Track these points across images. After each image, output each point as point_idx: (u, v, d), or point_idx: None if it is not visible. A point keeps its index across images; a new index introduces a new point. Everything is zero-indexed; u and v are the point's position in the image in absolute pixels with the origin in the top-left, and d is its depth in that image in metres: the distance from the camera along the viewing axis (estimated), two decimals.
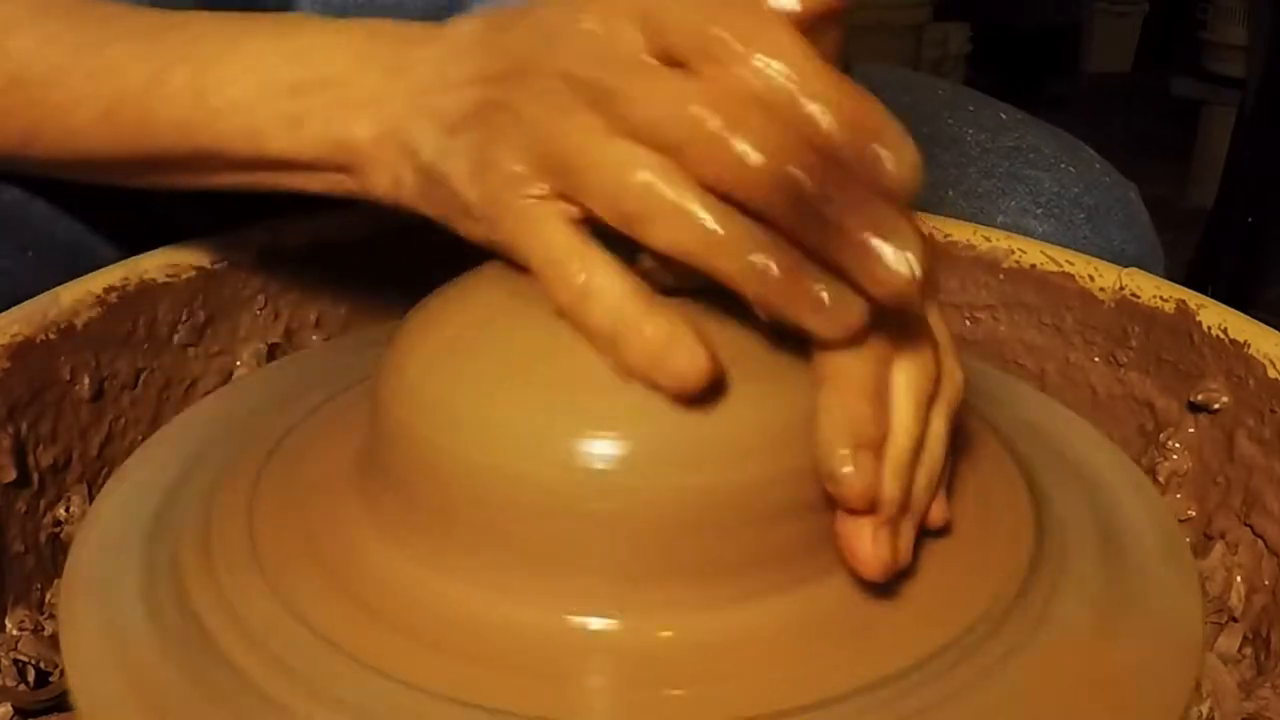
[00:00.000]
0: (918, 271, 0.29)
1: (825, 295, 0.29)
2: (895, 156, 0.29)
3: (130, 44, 0.43)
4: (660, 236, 0.31)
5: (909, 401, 0.32)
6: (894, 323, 0.33)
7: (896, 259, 0.28)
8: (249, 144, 0.41)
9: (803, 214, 0.29)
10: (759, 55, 0.30)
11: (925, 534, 0.34)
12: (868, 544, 0.31)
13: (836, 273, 0.29)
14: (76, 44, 0.43)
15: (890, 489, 0.31)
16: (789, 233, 0.29)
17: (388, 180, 0.38)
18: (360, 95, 0.38)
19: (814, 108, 0.29)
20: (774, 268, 0.29)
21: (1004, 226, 0.61)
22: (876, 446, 0.31)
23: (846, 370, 0.31)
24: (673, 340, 0.30)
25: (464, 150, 0.35)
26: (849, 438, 0.31)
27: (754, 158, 0.29)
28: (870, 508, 0.31)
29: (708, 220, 0.30)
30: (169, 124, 0.42)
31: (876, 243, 0.28)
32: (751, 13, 0.31)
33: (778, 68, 0.30)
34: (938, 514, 0.34)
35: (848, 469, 0.30)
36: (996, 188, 0.64)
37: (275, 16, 0.43)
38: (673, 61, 0.31)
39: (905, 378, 0.33)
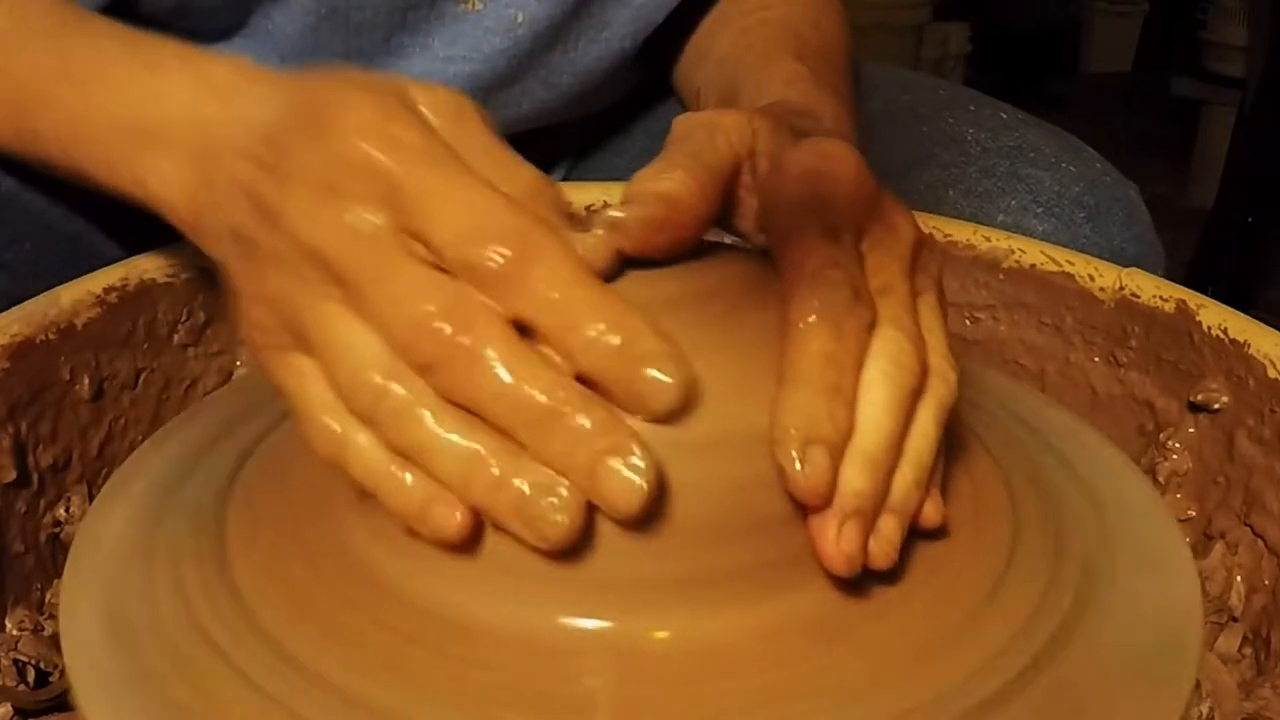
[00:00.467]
0: (647, 491, 0.29)
1: (539, 512, 0.29)
2: (660, 384, 0.29)
3: (39, 44, 0.45)
4: (387, 437, 0.30)
5: (884, 397, 0.32)
6: (871, 320, 0.33)
7: (628, 490, 0.29)
8: (107, 175, 0.43)
9: (539, 436, 0.29)
10: (529, 281, 0.29)
11: (922, 535, 0.34)
12: (830, 540, 0.31)
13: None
14: (2, 32, 0.46)
15: (856, 483, 0.31)
16: (520, 444, 0.30)
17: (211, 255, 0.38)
18: (180, 162, 0.39)
19: (579, 339, 0.29)
20: (490, 481, 0.29)
21: (1004, 225, 0.61)
22: (830, 443, 0.31)
23: (805, 368, 0.31)
24: (429, 500, 0.30)
25: (235, 274, 0.35)
26: (799, 433, 0.30)
27: (498, 383, 0.29)
28: (823, 503, 0.31)
29: (432, 434, 0.30)
30: (52, 138, 0.45)
31: (609, 468, 0.29)
32: (523, 226, 0.30)
33: (546, 295, 0.29)
34: (932, 514, 0.34)
35: (795, 464, 0.30)
36: (997, 187, 0.64)
37: (156, 42, 0.43)
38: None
39: (881, 374, 0.32)
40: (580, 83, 0.64)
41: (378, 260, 0.30)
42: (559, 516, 0.29)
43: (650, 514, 0.30)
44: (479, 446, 0.30)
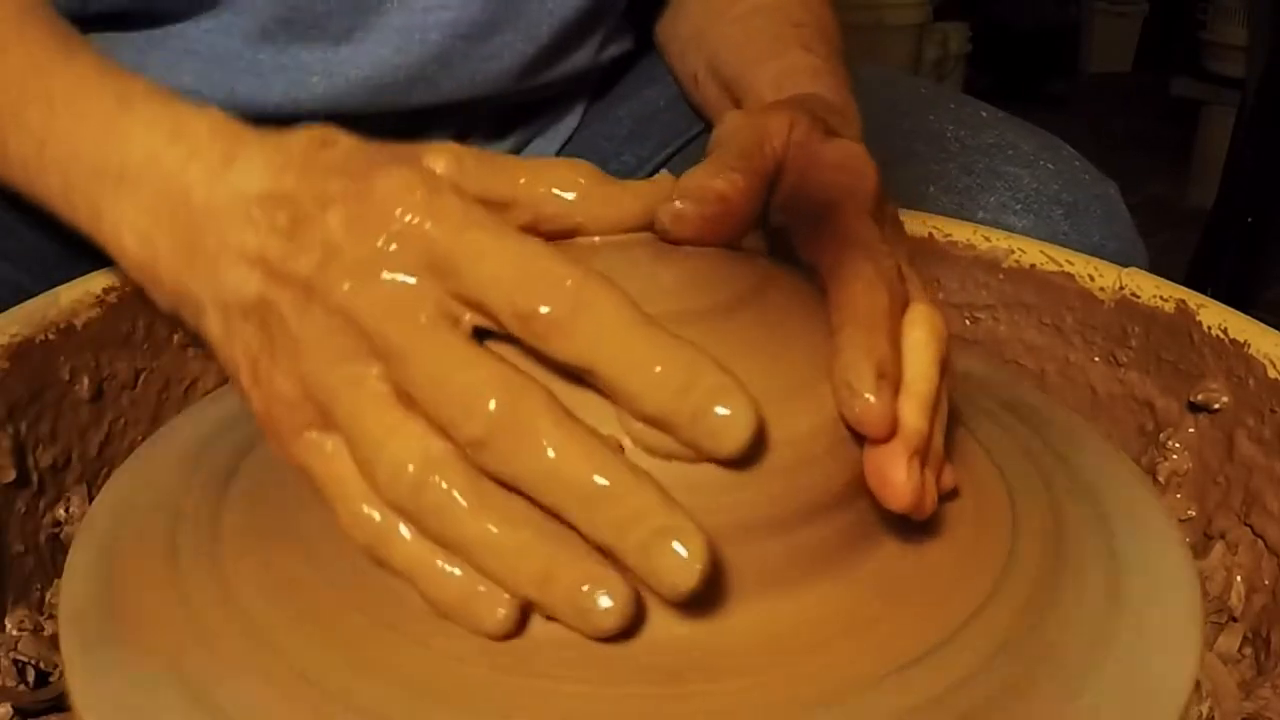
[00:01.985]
0: (701, 571, 0.28)
1: (590, 604, 0.29)
2: (728, 421, 0.28)
3: (21, 65, 0.43)
4: (428, 530, 0.30)
5: (929, 358, 0.34)
6: (908, 299, 0.35)
7: (683, 570, 0.28)
8: (66, 209, 0.41)
9: (589, 515, 0.28)
10: (584, 326, 0.28)
11: (925, 526, 0.34)
12: (901, 471, 0.31)
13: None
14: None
15: (918, 423, 0.32)
16: (571, 524, 0.29)
17: (170, 309, 0.36)
18: (148, 211, 0.36)
19: (640, 382, 0.28)
20: (539, 574, 0.29)
21: (984, 222, 0.61)
22: (895, 381, 0.32)
23: (869, 314, 0.33)
24: (470, 596, 0.30)
25: (241, 347, 0.33)
26: (872, 367, 0.32)
27: (547, 461, 0.28)
28: (888, 435, 0.32)
29: (476, 528, 0.29)
30: (18, 160, 0.42)
31: (663, 548, 0.28)
32: (574, 274, 0.29)
33: (602, 339, 0.28)
34: (946, 478, 0.35)
35: (870, 394, 0.31)
36: (976, 184, 0.64)
37: (129, 83, 0.41)
38: (472, 304, 0.30)
39: (924, 338, 0.34)
40: (560, 35, 0.64)
41: (424, 333, 0.30)
42: (611, 607, 0.28)
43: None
44: (525, 537, 0.29)
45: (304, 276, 0.31)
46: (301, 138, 0.34)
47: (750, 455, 0.30)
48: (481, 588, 0.30)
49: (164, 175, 0.36)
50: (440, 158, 0.33)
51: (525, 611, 0.30)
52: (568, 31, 0.65)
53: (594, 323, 0.29)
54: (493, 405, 0.28)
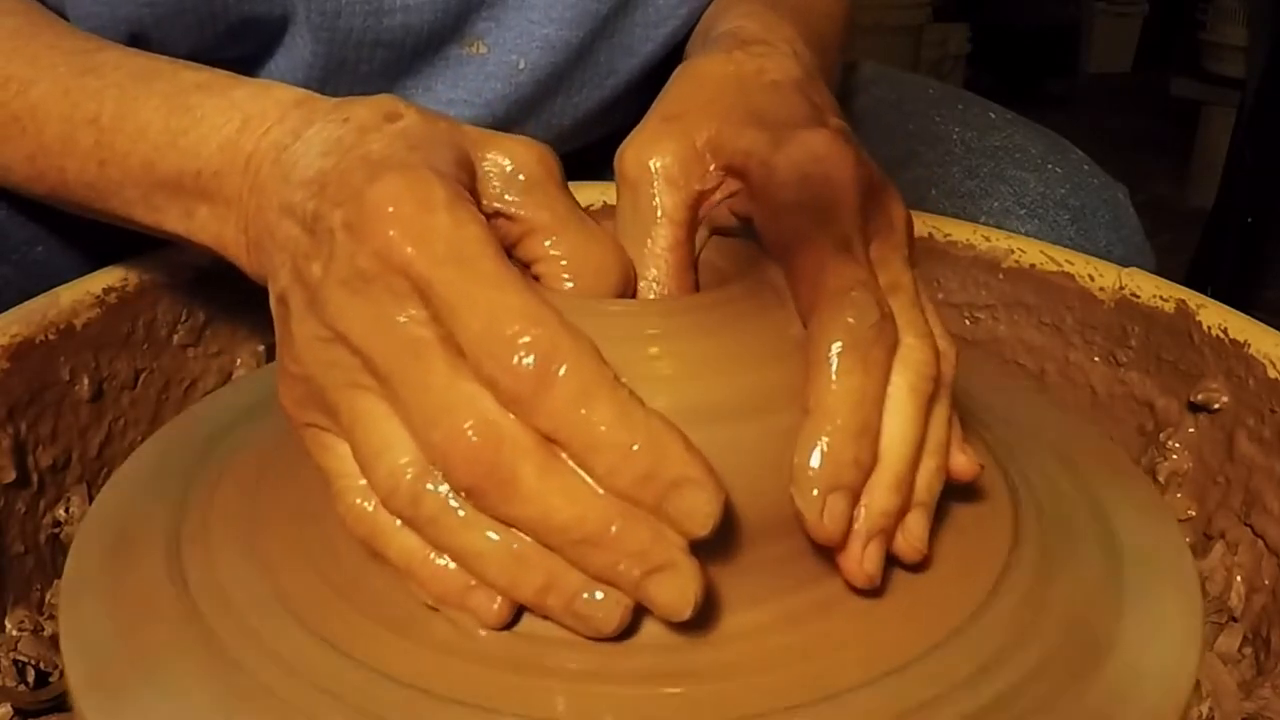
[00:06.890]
0: (694, 604, 0.28)
1: (590, 611, 0.29)
2: (690, 506, 0.28)
3: (52, 86, 0.43)
4: (425, 536, 0.30)
5: (912, 411, 0.32)
6: (895, 339, 0.32)
7: (677, 603, 0.28)
8: (150, 217, 0.41)
9: (582, 556, 0.28)
10: (550, 398, 0.28)
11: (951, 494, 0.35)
12: (855, 560, 0.31)
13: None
14: (6, 78, 0.44)
15: (886, 504, 0.31)
16: (568, 559, 0.29)
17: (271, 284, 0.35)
18: (227, 203, 0.37)
19: (604, 462, 0.28)
20: (539, 585, 0.29)
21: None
22: (854, 489, 0.31)
23: (834, 406, 0.31)
24: (468, 589, 0.30)
25: (275, 330, 0.34)
26: (825, 481, 0.30)
27: (534, 509, 0.28)
28: (841, 545, 0.31)
29: (473, 538, 0.29)
30: (80, 184, 0.43)
31: (657, 582, 0.28)
32: (546, 337, 0.28)
33: (566, 414, 0.28)
34: (968, 467, 0.34)
35: (817, 513, 0.30)
36: (980, 188, 0.63)
37: (175, 74, 0.41)
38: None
39: (909, 388, 0.32)
40: (580, 125, 0.64)
41: (414, 363, 0.29)
42: (612, 613, 0.29)
43: None
44: (522, 548, 0.29)
45: (314, 280, 0.31)
46: (365, 108, 0.34)
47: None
48: (474, 581, 0.30)
49: (244, 160, 0.36)
50: (505, 155, 0.34)
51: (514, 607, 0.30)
52: (590, 119, 0.64)
53: (556, 395, 0.28)
54: (474, 454, 0.28)
